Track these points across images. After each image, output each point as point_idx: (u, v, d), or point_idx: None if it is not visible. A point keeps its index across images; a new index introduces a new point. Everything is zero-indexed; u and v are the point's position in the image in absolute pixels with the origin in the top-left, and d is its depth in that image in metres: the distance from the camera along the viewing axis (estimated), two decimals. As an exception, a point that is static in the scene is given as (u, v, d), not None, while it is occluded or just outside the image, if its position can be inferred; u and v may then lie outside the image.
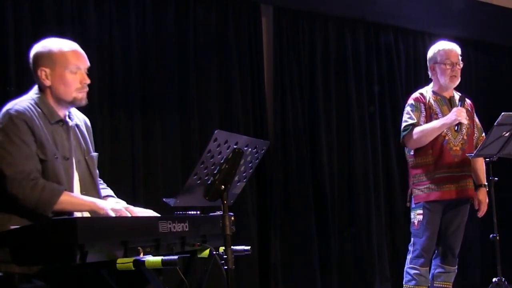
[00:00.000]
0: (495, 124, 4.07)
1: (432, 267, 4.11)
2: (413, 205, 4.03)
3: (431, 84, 4.15)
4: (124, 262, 2.11)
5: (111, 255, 2.11)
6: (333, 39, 5.61)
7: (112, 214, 2.43)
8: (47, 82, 2.61)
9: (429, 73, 4.16)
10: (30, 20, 4.03)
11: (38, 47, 2.66)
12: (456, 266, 4.10)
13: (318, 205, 5.29)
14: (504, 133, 4.13)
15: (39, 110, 2.57)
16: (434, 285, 4.07)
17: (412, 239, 4.03)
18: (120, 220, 2.30)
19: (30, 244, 2.06)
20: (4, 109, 2.53)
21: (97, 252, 2.04)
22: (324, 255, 5.26)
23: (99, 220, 2.24)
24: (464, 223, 4.10)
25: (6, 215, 2.45)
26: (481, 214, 4.13)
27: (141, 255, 2.16)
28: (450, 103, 4.07)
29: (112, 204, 2.53)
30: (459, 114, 3.88)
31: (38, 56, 2.63)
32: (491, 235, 4.37)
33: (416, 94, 4.10)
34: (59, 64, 2.60)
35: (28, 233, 2.09)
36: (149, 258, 2.12)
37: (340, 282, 5.36)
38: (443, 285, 4.06)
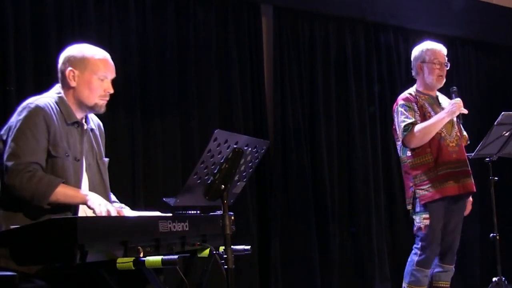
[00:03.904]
0: (495, 123, 4.08)
1: (431, 267, 4.09)
2: (418, 208, 3.94)
3: (416, 85, 4.11)
4: (124, 262, 2.11)
5: (111, 255, 2.11)
6: (333, 39, 5.60)
7: (100, 209, 2.41)
8: (73, 83, 2.68)
9: (414, 72, 4.13)
10: (30, 20, 4.03)
11: (72, 50, 2.74)
12: (454, 265, 4.06)
13: (318, 205, 5.29)
14: (504, 132, 4.13)
15: (58, 109, 2.63)
16: (433, 285, 4.06)
17: (420, 243, 3.94)
18: (120, 220, 2.29)
19: (30, 243, 2.06)
20: (25, 102, 2.59)
21: (97, 252, 2.05)
22: (324, 255, 5.25)
23: (99, 220, 2.23)
24: (462, 219, 4.06)
25: (7, 214, 2.47)
26: (466, 213, 4.11)
27: (141, 255, 2.16)
28: (438, 102, 4.06)
29: (102, 200, 2.48)
30: (459, 105, 3.87)
31: (70, 57, 2.71)
32: (491, 235, 4.37)
33: (405, 94, 4.05)
34: (89, 69, 2.69)
35: (28, 233, 2.09)
36: (149, 258, 2.12)
37: (340, 282, 5.36)
38: (442, 285, 4.04)
